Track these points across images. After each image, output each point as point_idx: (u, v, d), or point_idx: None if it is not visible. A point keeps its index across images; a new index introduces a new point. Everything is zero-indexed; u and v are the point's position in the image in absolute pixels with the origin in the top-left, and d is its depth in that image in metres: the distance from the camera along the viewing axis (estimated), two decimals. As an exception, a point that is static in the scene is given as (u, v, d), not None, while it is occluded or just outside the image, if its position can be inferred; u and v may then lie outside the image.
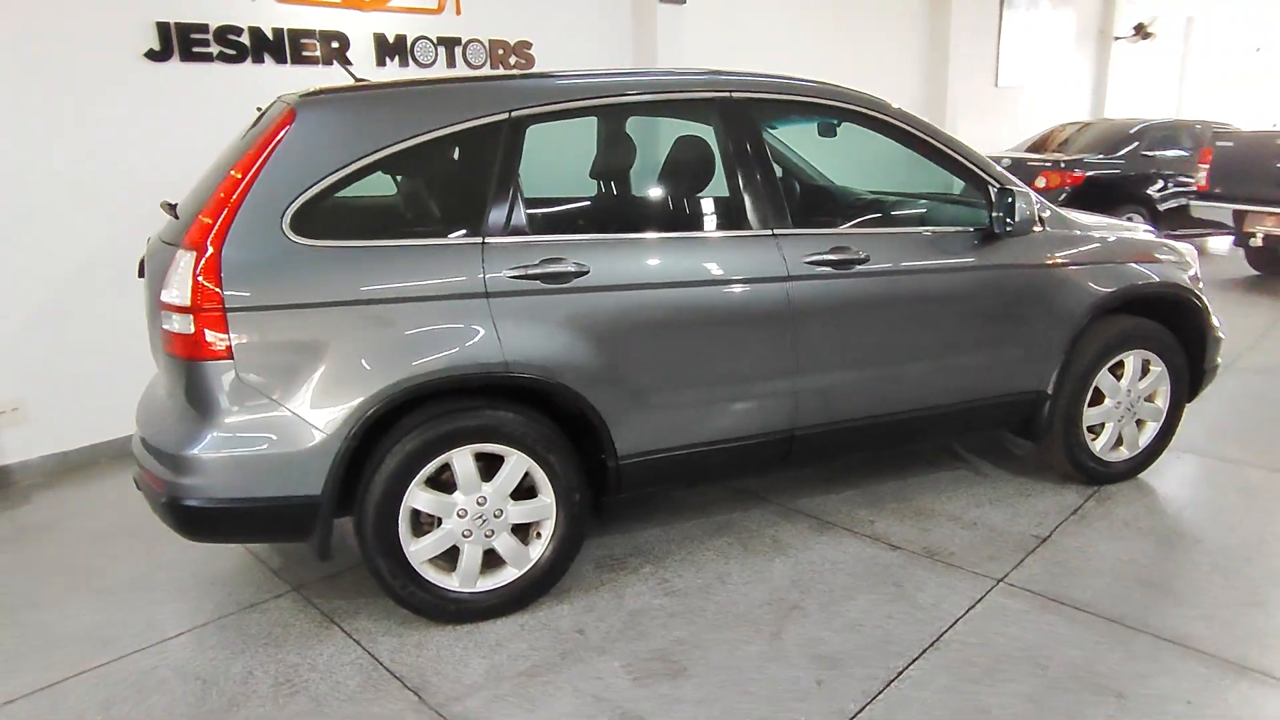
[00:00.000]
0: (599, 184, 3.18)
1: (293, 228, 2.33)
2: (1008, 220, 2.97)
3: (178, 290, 2.28)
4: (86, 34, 3.72)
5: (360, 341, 2.36)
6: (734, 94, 2.79)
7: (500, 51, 5.11)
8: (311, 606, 2.77)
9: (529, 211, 2.55)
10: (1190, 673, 2.33)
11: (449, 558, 2.59)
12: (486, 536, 2.58)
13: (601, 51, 5.66)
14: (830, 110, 3.01)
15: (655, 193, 2.93)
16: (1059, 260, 3.18)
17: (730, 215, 2.77)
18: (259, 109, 2.82)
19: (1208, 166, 7.09)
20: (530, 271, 2.48)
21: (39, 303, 3.79)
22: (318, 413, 2.34)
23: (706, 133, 2.89)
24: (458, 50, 4.90)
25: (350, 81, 2.81)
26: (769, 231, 2.77)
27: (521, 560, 2.65)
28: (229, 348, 2.28)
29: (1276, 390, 4.72)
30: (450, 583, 2.59)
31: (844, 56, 7.50)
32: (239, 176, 2.34)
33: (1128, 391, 3.40)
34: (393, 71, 4.66)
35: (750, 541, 3.11)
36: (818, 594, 2.77)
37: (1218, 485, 3.54)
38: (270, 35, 4.18)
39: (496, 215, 2.50)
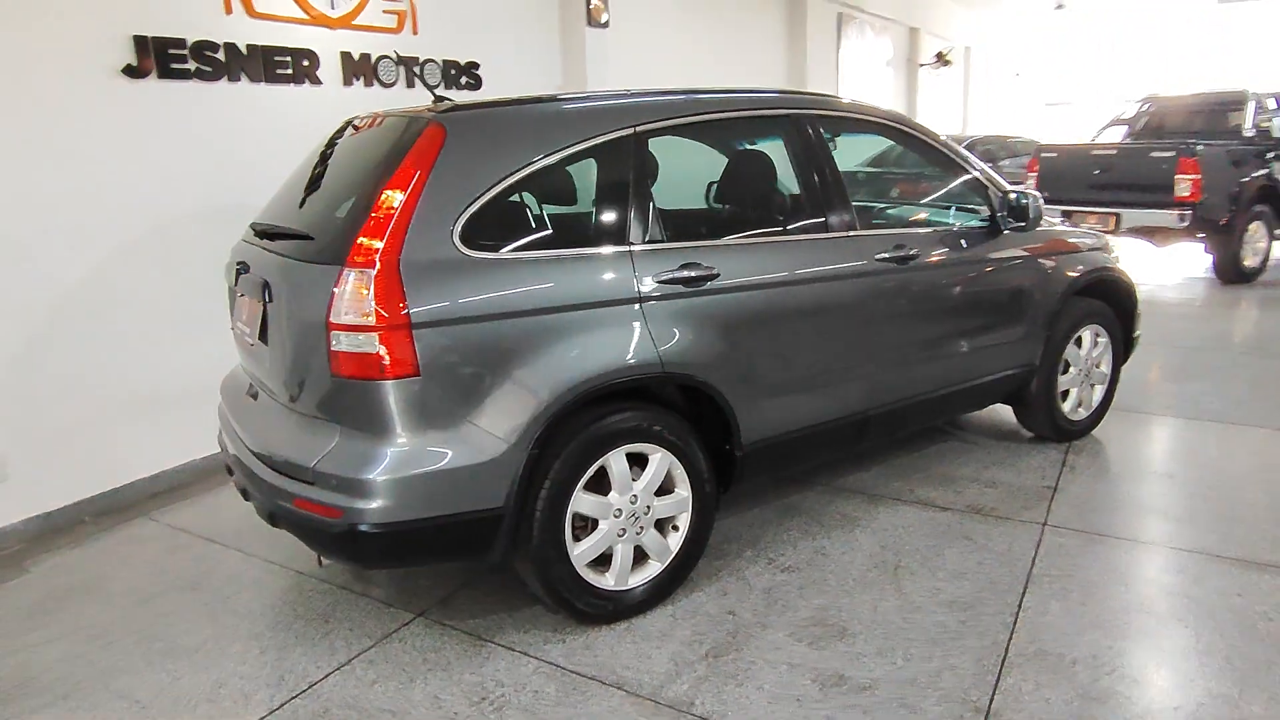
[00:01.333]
0: (708, 193, 3.36)
1: (463, 241, 2.34)
2: (1014, 219, 3.48)
3: (354, 309, 2.22)
4: (58, 49, 3.37)
5: (536, 350, 2.40)
6: (808, 111, 3.09)
7: (453, 72, 5.11)
8: (449, 629, 2.72)
9: (661, 220, 2.69)
10: (1227, 573, 2.88)
11: (601, 559, 2.66)
12: (636, 534, 2.68)
13: (538, 71, 5.78)
14: (874, 126, 3.39)
15: (757, 201, 3.15)
16: (1045, 251, 3.74)
17: (818, 219, 3.05)
18: (354, 124, 2.78)
19: (1035, 174, 8.29)
20: (672, 276, 2.63)
21: (9, 346, 3.35)
22: (501, 423, 2.35)
23: (774, 145, 3.16)
24: (416, 70, 4.84)
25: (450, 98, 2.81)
26: (847, 233, 3.08)
27: (664, 554, 2.77)
28: (414, 364, 2.25)
29: (1144, 356, 5.66)
30: (606, 582, 2.66)
31: (728, 78, 8.04)
32: (399, 193, 2.31)
33: (1086, 360, 4.04)
34: (358, 91, 4.54)
35: (822, 519, 3.39)
36: (909, 554, 3.10)
37: (1153, 432, 4.27)
38: (245, 51, 3.96)
39: (637, 224, 2.63)
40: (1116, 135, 9.23)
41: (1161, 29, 15.44)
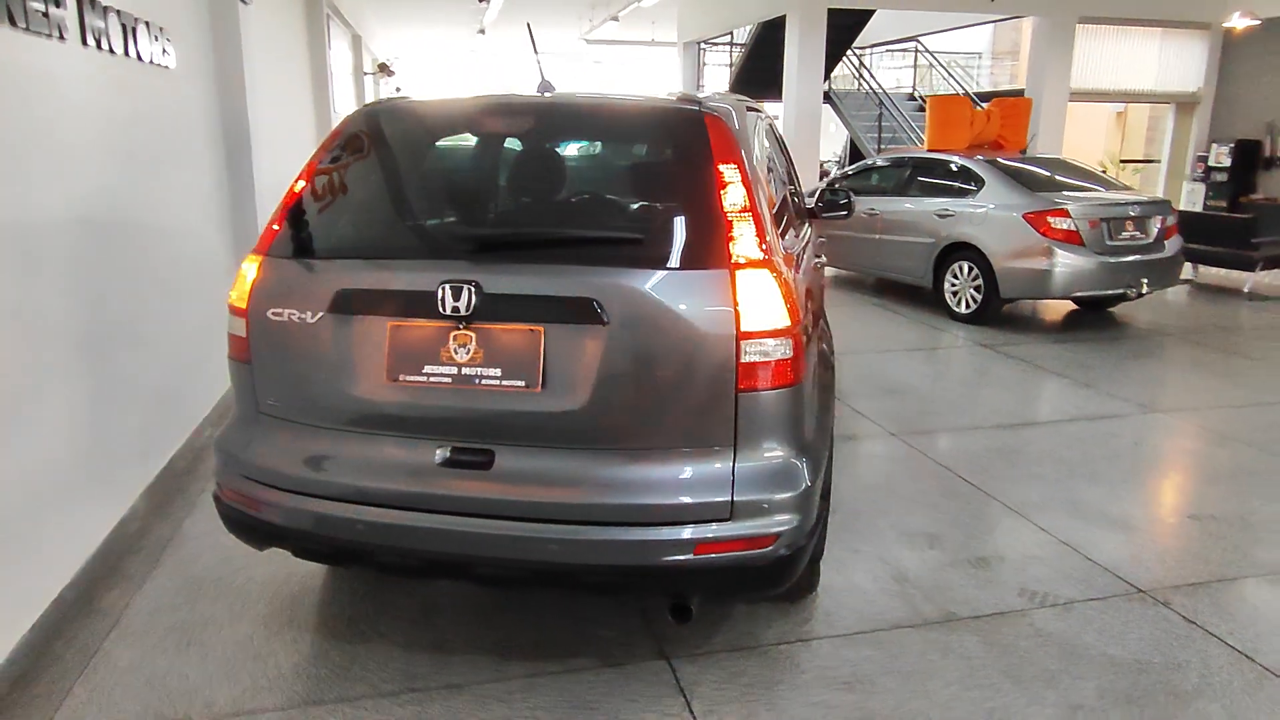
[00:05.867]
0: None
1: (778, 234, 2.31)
2: (837, 210, 4.49)
3: (769, 314, 2.05)
4: None
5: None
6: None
7: (156, 37, 3.82)
8: (715, 655, 2.55)
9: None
10: (981, 434, 4.44)
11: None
12: (816, 501, 2.92)
13: (202, 44, 4.61)
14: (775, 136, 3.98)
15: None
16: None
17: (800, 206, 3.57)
18: (390, 90, 2.53)
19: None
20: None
21: None
22: (828, 410, 2.41)
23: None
24: (129, 33, 3.52)
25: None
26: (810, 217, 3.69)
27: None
28: (806, 363, 2.18)
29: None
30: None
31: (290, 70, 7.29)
32: (730, 190, 2.17)
33: (816, 319, 5.35)
34: (92, 54, 3.15)
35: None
36: (868, 478, 3.90)
37: (850, 367, 5.81)
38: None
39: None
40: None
41: (545, 58, 18.48)
